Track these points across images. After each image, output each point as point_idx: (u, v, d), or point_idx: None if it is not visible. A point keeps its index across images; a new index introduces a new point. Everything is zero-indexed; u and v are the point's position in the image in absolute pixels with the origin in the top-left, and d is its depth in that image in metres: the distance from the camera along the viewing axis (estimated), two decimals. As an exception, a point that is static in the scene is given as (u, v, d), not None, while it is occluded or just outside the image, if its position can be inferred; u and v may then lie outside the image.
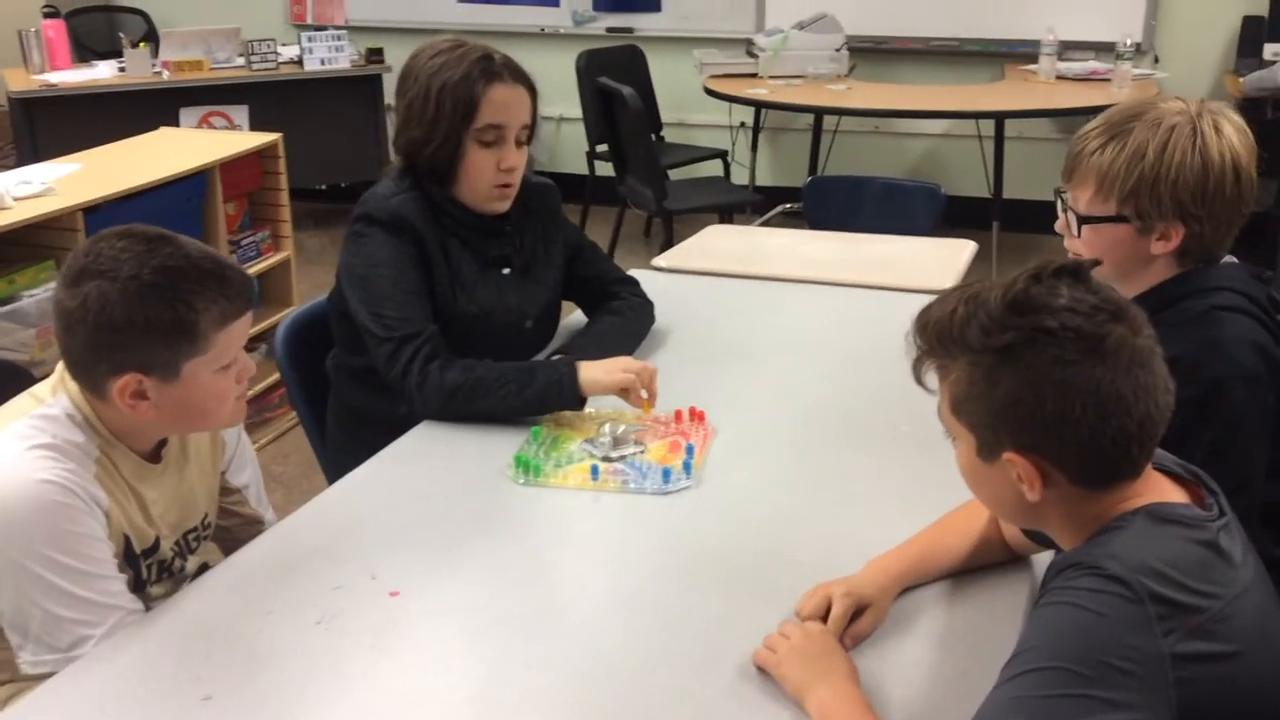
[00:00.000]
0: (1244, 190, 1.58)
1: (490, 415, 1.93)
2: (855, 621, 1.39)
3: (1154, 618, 1.05)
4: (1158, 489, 1.18)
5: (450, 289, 2.07)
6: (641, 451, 1.81)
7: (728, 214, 5.09)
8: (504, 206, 2.11)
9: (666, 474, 1.73)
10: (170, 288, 1.44)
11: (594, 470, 1.74)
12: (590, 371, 1.92)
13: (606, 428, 1.83)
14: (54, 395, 1.52)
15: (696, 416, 1.92)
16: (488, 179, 2.04)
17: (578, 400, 1.92)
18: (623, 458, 1.79)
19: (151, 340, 1.44)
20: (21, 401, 1.55)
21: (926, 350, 1.20)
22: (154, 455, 1.60)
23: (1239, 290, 1.57)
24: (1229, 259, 1.64)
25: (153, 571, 1.61)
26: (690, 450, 1.80)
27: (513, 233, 2.17)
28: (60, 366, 1.55)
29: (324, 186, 6.34)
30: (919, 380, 1.22)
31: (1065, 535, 1.20)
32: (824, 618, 1.38)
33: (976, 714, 1.10)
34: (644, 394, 1.91)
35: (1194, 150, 1.54)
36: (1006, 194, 5.23)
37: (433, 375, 1.92)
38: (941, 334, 1.17)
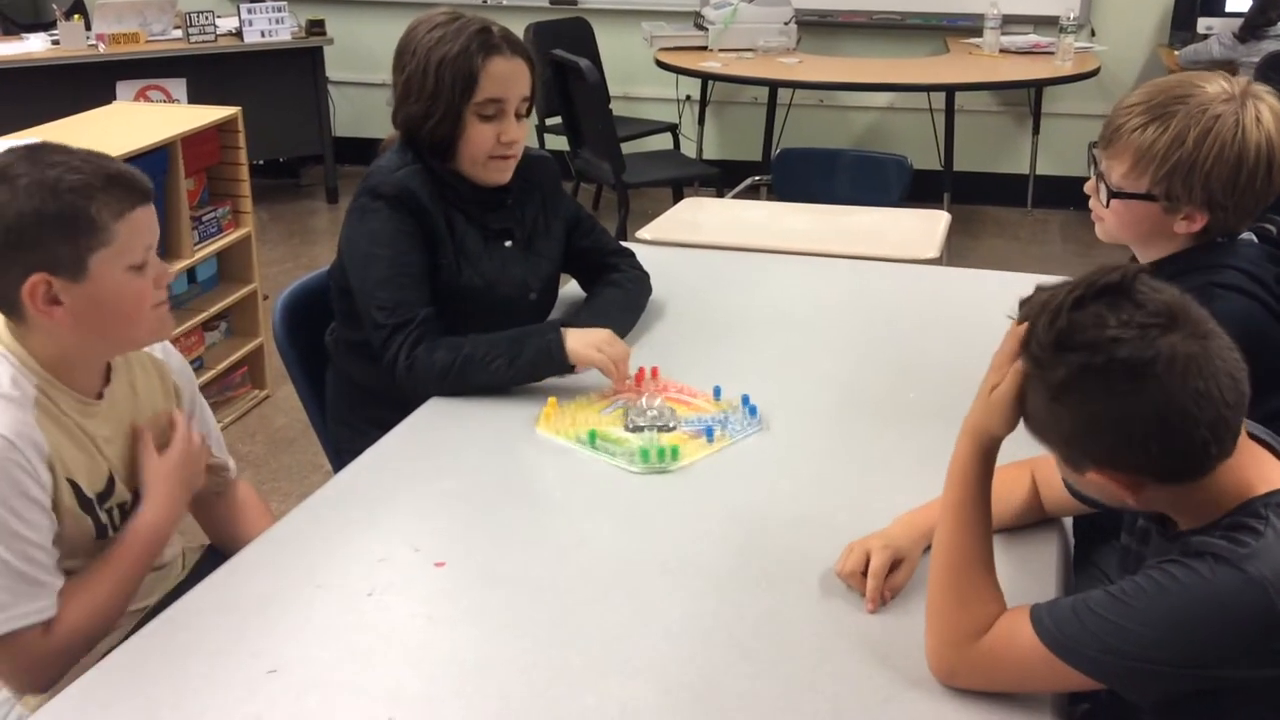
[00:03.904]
0: (1274, 180, 1.62)
1: (485, 389, 1.94)
2: (891, 575, 1.43)
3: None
4: (1258, 462, 1.20)
5: (455, 262, 2.06)
6: (673, 414, 1.85)
7: (679, 188, 5.10)
8: (504, 178, 2.10)
9: (752, 413, 1.86)
10: (58, 180, 1.44)
11: (709, 432, 1.80)
12: (574, 340, 1.93)
13: (643, 401, 1.86)
14: None
15: (653, 373, 1.98)
16: (487, 152, 2.04)
17: (568, 365, 1.93)
18: (673, 425, 1.83)
19: (50, 234, 1.44)
20: None
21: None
22: (97, 395, 1.59)
23: (1244, 270, 1.62)
24: (1249, 236, 1.69)
25: (114, 517, 1.60)
26: (746, 400, 1.89)
27: (514, 205, 2.16)
28: None
29: (262, 162, 6.21)
30: None
31: (1184, 516, 1.23)
32: (862, 572, 1.43)
33: (1065, 609, 1.18)
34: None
35: (1233, 142, 1.57)
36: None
37: (420, 358, 1.93)
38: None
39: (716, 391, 1.91)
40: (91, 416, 1.56)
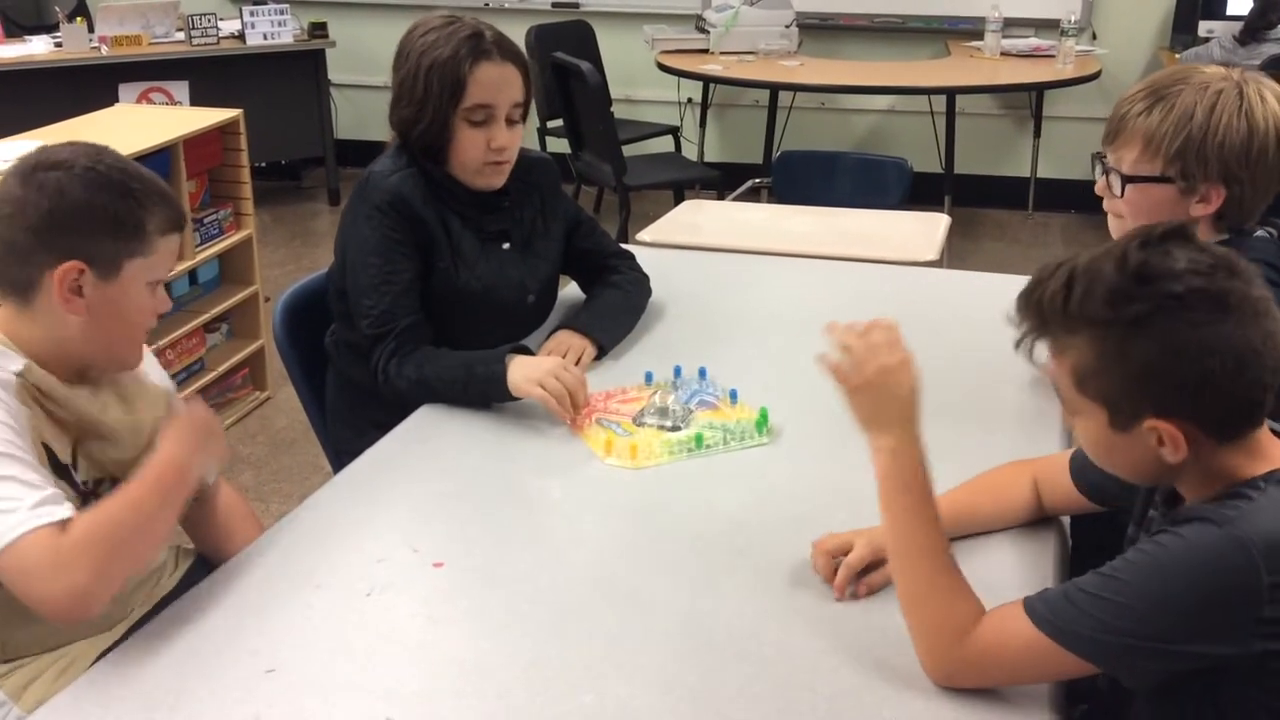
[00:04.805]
0: None
1: (452, 405, 1.94)
2: (871, 573, 1.44)
3: (1266, 588, 1.08)
4: (1276, 447, 1.20)
5: (452, 265, 2.06)
6: (691, 414, 1.88)
7: (680, 190, 5.10)
8: (496, 184, 2.09)
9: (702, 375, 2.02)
10: (122, 182, 1.49)
11: (731, 395, 1.92)
12: (516, 372, 1.87)
13: (671, 399, 1.88)
14: None
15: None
16: (477, 158, 2.03)
17: (511, 396, 1.89)
18: (693, 407, 1.89)
19: (101, 229, 1.47)
20: None
21: (1037, 327, 1.21)
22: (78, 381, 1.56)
23: (1266, 262, 1.62)
24: (1261, 233, 1.69)
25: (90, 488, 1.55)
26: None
27: (511, 207, 2.16)
28: None
29: (264, 164, 6.22)
30: (1029, 357, 1.24)
31: (1194, 488, 1.23)
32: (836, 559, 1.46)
33: (1054, 598, 1.18)
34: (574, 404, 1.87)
35: (1240, 113, 1.59)
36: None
37: (391, 374, 1.96)
38: (1056, 310, 1.18)
39: (648, 377, 1.99)
40: (73, 399, 1.53)
